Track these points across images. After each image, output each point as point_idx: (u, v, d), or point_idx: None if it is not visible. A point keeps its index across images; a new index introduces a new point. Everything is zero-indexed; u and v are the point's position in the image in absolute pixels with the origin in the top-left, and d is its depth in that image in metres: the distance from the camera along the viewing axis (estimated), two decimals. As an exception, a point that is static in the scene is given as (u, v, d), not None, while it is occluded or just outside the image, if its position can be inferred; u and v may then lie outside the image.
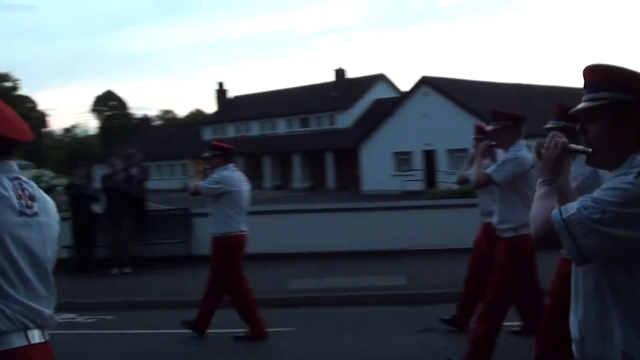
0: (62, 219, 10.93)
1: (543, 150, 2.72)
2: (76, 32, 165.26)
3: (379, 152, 49.50)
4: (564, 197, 2.66)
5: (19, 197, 2.90)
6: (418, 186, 42.82)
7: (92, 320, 10.48)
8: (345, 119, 58.43)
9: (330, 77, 64.37)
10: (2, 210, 2.82)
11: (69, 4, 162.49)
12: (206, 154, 8.88)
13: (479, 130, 7.79)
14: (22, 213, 2.89)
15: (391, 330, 8.96)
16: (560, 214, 2.41)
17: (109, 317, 10.59)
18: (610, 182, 2.41)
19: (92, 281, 13.24)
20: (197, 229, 14.52)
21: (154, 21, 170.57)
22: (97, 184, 14.60)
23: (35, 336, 2.92)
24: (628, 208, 2.32)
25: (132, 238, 14.18)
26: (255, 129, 65.43)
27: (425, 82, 48.38)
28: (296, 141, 59.59)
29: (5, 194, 2.84)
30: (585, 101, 2.56)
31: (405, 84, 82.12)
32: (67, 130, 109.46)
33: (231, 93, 74.22)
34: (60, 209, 11.73)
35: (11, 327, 2.83)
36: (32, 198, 2.97)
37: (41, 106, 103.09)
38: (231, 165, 8.77)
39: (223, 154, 8.79)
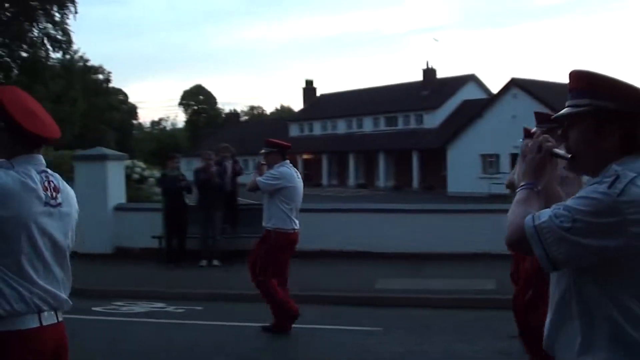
0: (154, 210, 11.27)
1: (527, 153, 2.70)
2: (167, 27, 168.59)
3: (466, 154, 49.02)
4: (550, 201, 2.62)
5: (45, 189, 3.19)
6: (505, 189, 42.12)
7: (181, 310, 10.66)
8: (433, 119, 57.94)
9: (419, 77, 63.99)
10: (30, 200, 3.12)
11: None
12: (263, 151, 9.08)
13: (527, 135, 7.68)
14: (47, 203, 3.18)
15: (479, 334, 8.86)
16: (533, 221, 2.39)
17: (198, 308, 10.76)
18: (584, 190, 2.38)
19: (182, 272, 13.46)
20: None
21: (243, 17, 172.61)
22: (187, 176, 14.79)
23: (48, 318, 3.20)
24: (599, 218, 2.29)
25: (222, 231, 14.36)
26: (341, 127, 65.51)
27: (515, 84, 47.68)
28: (382, 140, 59.40)
29: (34, 185, 3.14)
30: (567, 107, 2.56)
31: (495, 85, 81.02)
32: (155, 123, 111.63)
33: (319, 91, 74.52)
34: (151, 200, 12.06)
35: (26, 309, 3.11)
36: (56, 189, 3.26)
37: (131, 99, 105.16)
38: (287, 161, 8.91)
39: (279, 151, 8.94)
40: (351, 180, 60.20)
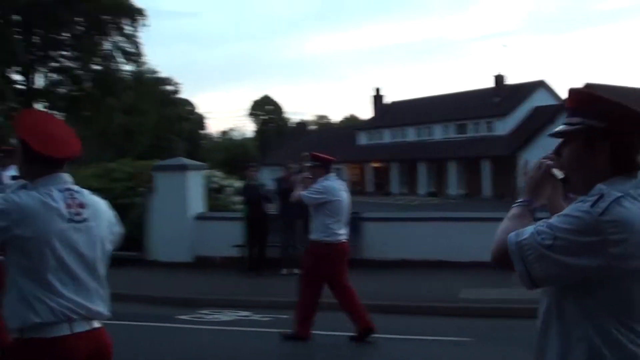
0: (234, 219, 11.29)
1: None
2: (236, 38, 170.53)
3: (537, 161, 48.21)
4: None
5: (68, 206, 3.38)
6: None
7: (267, 318, 10.67)
8: (504, 126, 57.19)
9: (488, 83, 63.30)
10: (51, 219, 3.31)
11: (230, 11, 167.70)
12: (308, 165, 9.27)
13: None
14: (70, 220, 3.37)
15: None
16: (516, 237, 2.39)
17: (284, 316, 10.74)
18: (568, 208, 2.38)
19: (263, 280, 13.51)
20: (367, 233, 14.52)
21: (310, 28, 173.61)
22: (267, 185, 14.87)
23: (80, 326, 3.36)
24: (580, 236, 2.27)
25: (303, 240, 14.33)
26: (411, 135, 65.13)
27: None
28: (452, 148, 58.89)
29: (54, 204, 3.33)
30: (562, 124, 2.56)
31: (565, 91, 79.61)
32: (224, 133, 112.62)
33: (386, 99, 74.23)
34: (229, 209, 12.13)
35: (53, 318, 3.27)
36: (81, 205, 3.43)
37: (200, 109, 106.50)
38: (332, 175, 9.00)
39: (323, 165, 9.05)
40: (421, 189, 59.79)
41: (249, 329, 10.07)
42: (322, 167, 9.02)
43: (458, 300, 11.37)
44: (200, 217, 15.73)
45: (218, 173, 18.61)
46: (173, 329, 10.05)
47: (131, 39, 62.98)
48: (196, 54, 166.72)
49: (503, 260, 2.45)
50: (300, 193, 9.02)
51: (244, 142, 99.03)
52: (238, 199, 16.65)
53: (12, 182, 5.11)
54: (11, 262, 3.35)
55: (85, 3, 58.99)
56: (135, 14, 61.32)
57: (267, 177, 14.90)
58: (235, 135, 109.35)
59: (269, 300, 11.77)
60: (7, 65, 50.54)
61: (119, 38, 63.29)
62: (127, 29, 62.79)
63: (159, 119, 72.77)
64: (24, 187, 3.45)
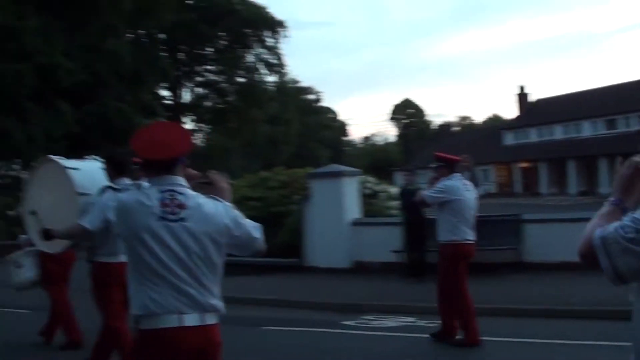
0: (391, 224, 11.27)
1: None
2: (372, 44, 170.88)
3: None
4: None
5: (164, 205, 3.60)
6: None
7: (433, 324, 10.50)
8: (657, 120, 54.83)
9: (635, 76, 60.87)
10: (143, 215, 3.57)
11: (365, 18, 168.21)
12: (432, 165, 9.37)
13: None
14: (163, 218, 3.57)
15: None
16: (602, 232, 2.35)
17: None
18: None
19: (424, 286, 13.35)
20: (529, 235, 14.18)
21: (449, 28, 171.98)
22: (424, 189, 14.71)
23: (191, 320, 3.56)
24: None
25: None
26: (558, 133, 63.24)
27: None
28: (602, 144, 56.80)
29: (148, 202, 3.59)
30: None
31: None
32: (366, 139, 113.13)
33: (531, 97, 72.49)
34: (384, 214, 12.22)
35: (162, 309, 3.51)
36: (180, 206, 3.62)
37: (341, 116, 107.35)
38: (456, 175, 9.04)
39: (447, 165, 9.16)
40: (571, 188, 57.97)
41: (416, 335, 9.94)
42: (447, 167, 9.12)
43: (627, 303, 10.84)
44: (356, 223, 15.76)
45: (371, 179, 18.61)
46: (339, 335, 10.07)
47: (273, 50, 64.25)
48: (335, 62, 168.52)
49: (589, 256, 2.39)
50: (423, 193, 9.29)
51: (386, 147, 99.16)
52: (392, 204, 16.59)
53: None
54: (128, 255, 3.70)
55: (228, 18, 60.56)
56: (276, 25, 62.49)
57: (418, 181, 14.80)
58: (378, 140, 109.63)
59: (433, 306, 11.56)
60: (157, 82, 52.46)
61: (261, 50, 64.66)
62: (269, 41, 64.05)
63: (302, 128, 73.78)
64: (130, 187, 3.86)
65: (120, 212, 3.67)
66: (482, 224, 14.73)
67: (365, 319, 11.04)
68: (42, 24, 36.83)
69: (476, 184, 14.45)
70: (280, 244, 16.60)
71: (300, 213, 16.39)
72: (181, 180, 3.75)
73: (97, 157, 7.19)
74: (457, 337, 9.03)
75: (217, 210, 3.74)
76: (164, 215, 3.58)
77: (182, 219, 3.61)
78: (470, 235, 8.96)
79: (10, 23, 35.53)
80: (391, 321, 10.87)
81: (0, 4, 35.29)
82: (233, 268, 17.77)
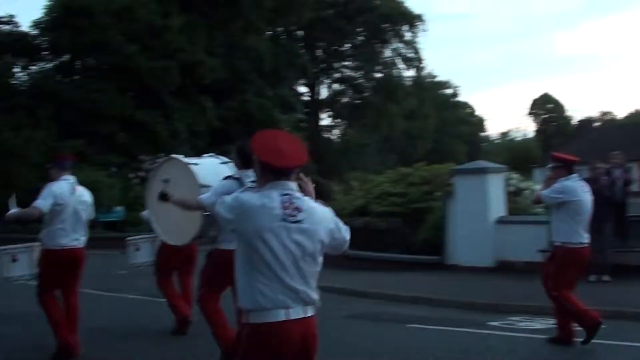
0: (537, 222, 11.04)
1: None
2: (509, 36, 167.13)
3: None
4: None
5: (285, 208, 3.92)
6: None
7: (580, 328, 10.18)
8: None
9: None
10: (266, 217, 3.89)
11: (502, 10, 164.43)
12: (549, 165, 9.19)
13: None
14: (283, 219, 3.90)
15: None
16: None
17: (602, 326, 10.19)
18: None
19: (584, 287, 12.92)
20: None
21: (589, 19, 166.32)
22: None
23: (296, 312, 3.89)
24: None
25: (612, 245, 13.61)
26: None
27: None
28: None
29: (270, 204, 3.91)
30: None
31: None
32: (503, 134, 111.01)
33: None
34: (528, 212, 11.95)
35: (271, 304, 3.84)
36: (297, 209, 3.95)
37: (478, 111, 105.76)
38: (574, 175, 8.86)
39: (565, 166, 8.93)
40: None
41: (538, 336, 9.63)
42: (564, 168, 8.91)
43: None
44: (501, 221, 15.43)
45: (515, 175, 18.18)
46: (485, 335, 9.85)
47: (410, 44, 63.99)
48: (471, 55, 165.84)
49: None
50: (540, 192, 9.15)
51: (525, 143, 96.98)
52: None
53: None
54: (239, 252, 4.00)
55: (366, 13, 60.74)
56: (414, 19, 62.20)
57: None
58: (516, 135, 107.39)
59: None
60: (296, 79, 53.20)
61: (399, 45, 64.50)
62: (407, 35, 63.82)
63: (439, 123, 73.10)
64: (251, 189, 4.17)
65: (244, 211, 3.95)
66: (635, 225, 14.22)
67: (512, 320, 10.76)
68: (186, 22, 37.99)
69: (629, 182, 13.98)
70: (420, 241, 16.48)
71: (442, 210, 16.21)
72: (295, 185, 4.10)
73: (214, 154, 7.55)
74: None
75: (325, 214, 4.12)
76: (285, 217, 3.91)
77: (299, 221, 3.95)
78: (585, 239, 8.84)
79: (156, 21, 36.84)
80: (539, 323, 10.51)
81: (146, 3, 36.63)
82: (372, 264, 17.88)
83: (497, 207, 15.59)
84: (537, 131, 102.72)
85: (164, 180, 6.92)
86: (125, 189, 28.81)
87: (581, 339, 8.72)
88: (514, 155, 78.63)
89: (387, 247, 16.94)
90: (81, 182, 8.61)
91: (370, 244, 17.10)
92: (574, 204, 8.72)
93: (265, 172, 4.04)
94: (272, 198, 3.95)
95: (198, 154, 8.72)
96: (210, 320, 7.46)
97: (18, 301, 8.85)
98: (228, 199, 4.07)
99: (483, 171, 15.74)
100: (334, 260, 17.99)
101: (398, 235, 17.02)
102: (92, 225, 29.62)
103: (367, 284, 14.38)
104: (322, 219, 4.08)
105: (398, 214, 17.35)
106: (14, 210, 8.10)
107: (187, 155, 8.01)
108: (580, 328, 8.81)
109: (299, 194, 4.07)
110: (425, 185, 17.98)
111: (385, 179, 19.59)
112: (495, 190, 15.56)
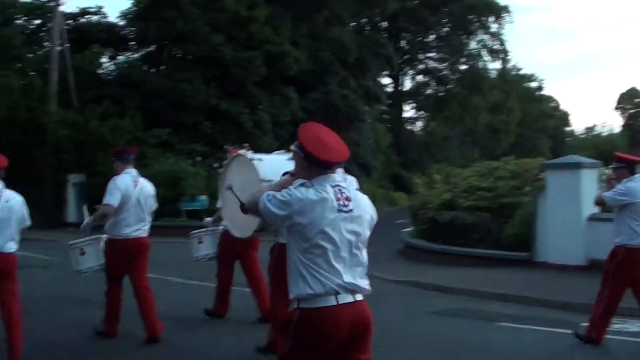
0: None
1: None
2: (594, 29, 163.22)
3: None
4: None
5: (338, 199, 4.13)
6: None
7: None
8: None
9: None
10: (325, 209, 4.09)
11: (585, 1, 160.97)
12: (612, 166, 9.19)
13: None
14: (339, 210, 4.12)
15: None
16: None
17: None
18: None
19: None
20: None
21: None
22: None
23: (345, 298, 4.07)
24: None
25: None
26: None
27: None
28: None
29: (327, 196, 4.11)
30: None
31: None
32: (588, 129, 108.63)
33: None
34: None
35: (323, 291, 4.02)
36: (348, 199, 4.18)
37: (563, 105, 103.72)
38: (637, 176, 8.76)
39: (627, 166, 8.85)
40: None
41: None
42: (627, 169, 8.82)
43: None
44: (594, 219, 14.93)
45: (608, 171, 17.57)
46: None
47: (496, 36, 63.10)
48: (555, 48, 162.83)
49: None
50: (602, 194, 9.08)
51: (611, 138, 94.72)
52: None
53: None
54: (292, 243, 4.14)
55: (451, 4, 60.10)
56: (500, 11, 61.31)
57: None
58: (602, 130, 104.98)
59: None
60: (380, 70, 52.95)
61: (484, 36, 63.66)
62: (492, 26, 62.95)
63: (523, 117, 71.90)
64: (302, 184, 4.19)
65: (303, 207, 4.08)
66: None
67: (606, 322, 10.39)
68: (271, 13, 38.13)
69: None
70: (509, 237, 16.09)
71: (532, 205, 15.79)
72: (338, 176, 4.30)
73: (283, 151, 7.66)
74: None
75: (367, 201, 4.34)
76: (339, 207, 4.13)
77: (351, 210, 4.17)
78: None
79: (242, 12, 37.06)
80: (634, 326, 10.21)
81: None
82: (459, 259, 17.57)
83: (590, 203, 15.10)
84: (624, 126, 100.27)
85: (228, 188, 7.01)
86: (209, 177, 29.05)
87: None
88: (600, 150, 76.83)
89: (474, 242, 16.60)
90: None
91: (457, 239, 16.87)
92: (637, 205, 8.60)
93: (312, 165, 4.20)
94: (327, 191, 4.14)
95: (282, 144, 8.77)
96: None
97: (99, 287, 9.01)
98: (278, 195, 4.15)
99: (577, 166, 15.25)
100: (420, 255, 17.85)
101: (485, 231, 16.67)
102: (176, 213, 29.93)
103: (454, 280, 14.12)
104: (368, 206, 4.32)
105: (486, 209, 16.98)
106: (87, 220, 8.68)
107: (270, 146, 8.10)
108: None
109: (344, 184, 4.28)
110: (514, 180, 17.58)
111: (472, 172, 19.23)
112: (588, 186, 15.04)
